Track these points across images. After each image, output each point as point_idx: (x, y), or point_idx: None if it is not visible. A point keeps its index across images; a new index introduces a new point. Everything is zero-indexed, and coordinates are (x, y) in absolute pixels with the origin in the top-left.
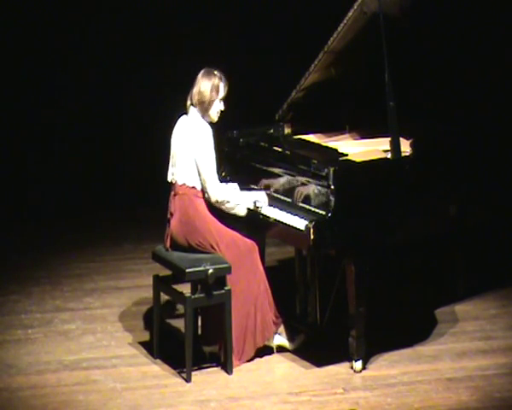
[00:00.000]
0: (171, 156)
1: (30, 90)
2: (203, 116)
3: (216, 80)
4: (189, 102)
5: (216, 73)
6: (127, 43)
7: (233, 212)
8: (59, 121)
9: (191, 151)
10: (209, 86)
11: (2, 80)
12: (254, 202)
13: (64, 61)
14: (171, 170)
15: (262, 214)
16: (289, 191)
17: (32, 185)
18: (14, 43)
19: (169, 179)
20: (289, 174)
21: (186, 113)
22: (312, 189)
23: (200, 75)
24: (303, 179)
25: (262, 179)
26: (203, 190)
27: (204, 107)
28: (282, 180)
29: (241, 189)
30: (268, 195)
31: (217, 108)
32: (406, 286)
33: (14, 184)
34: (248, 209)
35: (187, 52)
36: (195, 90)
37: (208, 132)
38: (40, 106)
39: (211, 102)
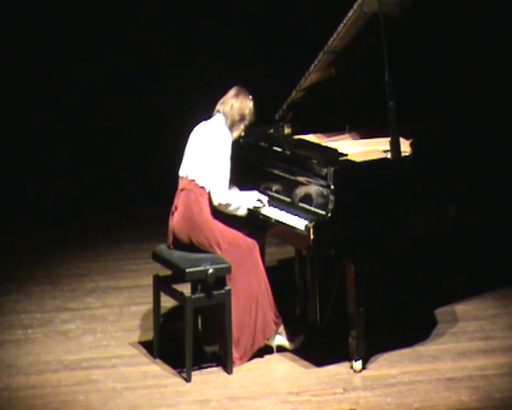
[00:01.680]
0: (185, 152)
1: (31, 89)
2: (228, 127)
3: (251, 105)
4: (218, 107)
5: (251, 97)
6: (131, 43)
7: (234, 213)
8: (60, 121)
9: (209, 154)
10: (247, 107)
11: (2, 80)
12: (255, 203)
13: (67, 59)
14: (183, 165)
15: (262, 214)
16: (289, 191)
17: (32, 185)
18: (19, 38)
19: (180, 174)
20: (289, 174)
21: (206, 118)
22: (312, 189)
23: (238, 91)
24: (303, 179)
25: (262, 179)
26: (209, 193)
27: (234, 121)
28: (282, 180)
29: (241, 189)
30: (268, 195)
31: (241, 129)
32: (406, 286)
33: (15, 183)
34: (248, 210)
35: (186, 52)
36: (231, 102)
37: (229, 141)
38: (41, 105)
39: (242, 121)
